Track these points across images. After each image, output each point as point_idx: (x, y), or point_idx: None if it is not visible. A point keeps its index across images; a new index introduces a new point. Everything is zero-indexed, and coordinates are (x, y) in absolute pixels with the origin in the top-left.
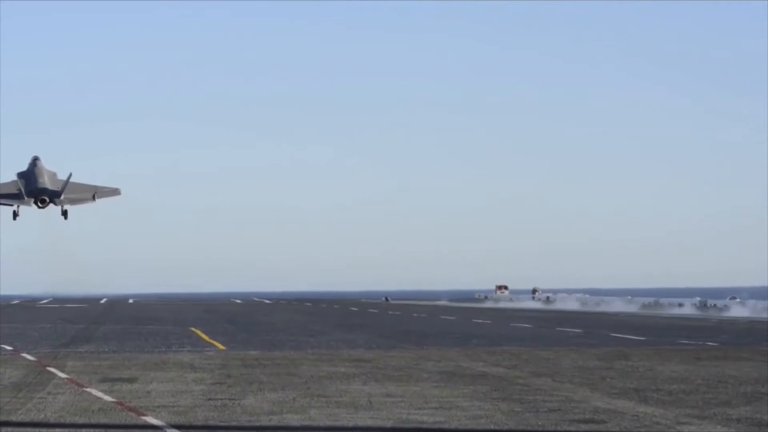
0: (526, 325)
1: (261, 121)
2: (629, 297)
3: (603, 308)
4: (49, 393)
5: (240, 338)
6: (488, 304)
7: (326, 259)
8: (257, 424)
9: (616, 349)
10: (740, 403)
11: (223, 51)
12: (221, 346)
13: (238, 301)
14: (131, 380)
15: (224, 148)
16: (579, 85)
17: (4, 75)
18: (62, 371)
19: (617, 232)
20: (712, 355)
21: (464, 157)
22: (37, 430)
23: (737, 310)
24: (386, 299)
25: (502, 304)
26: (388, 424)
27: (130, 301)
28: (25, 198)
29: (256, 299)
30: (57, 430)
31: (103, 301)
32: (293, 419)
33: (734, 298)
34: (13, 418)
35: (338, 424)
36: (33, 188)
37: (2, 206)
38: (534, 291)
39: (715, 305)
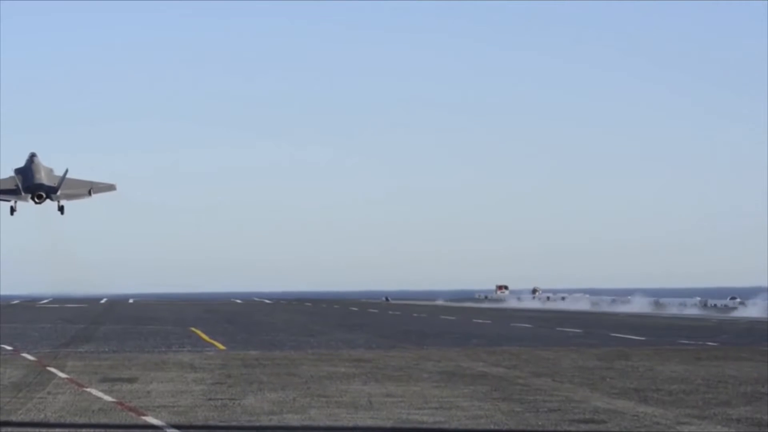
0: (526, 325)
1: (261, 121)
2: (654, 298)
3: (621, 308)
4: (49, 393)
5: (240, 338)
6: (491, 304)
7: (326, 259)
8: (257, 424)
9: (616, 349)
10: (740, 403)
11: (223, 51)
12: (221, 346)
13: (238, 301)
14: (131, 380)
15: (224, 148)
16: (579, 85)
17: (4, 75)
18: (62, 371)
19: (617, 232)
20: (712, 355)
21: (464, 157)
22: (37, 430)
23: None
24: (386, 299)
25: (504, 304)
26: (388, 424)
27: (130, 301)
28: (23, 194)
29: (256, 299)
30: (57, 430)
31: (103, 301)
32: (293, 419)
33: (734, 298)
34: (13, 418)
35: (338, 424)
36: (30, 184)
37: (0, 203)
38: (534, 291)
39: (737, 302)
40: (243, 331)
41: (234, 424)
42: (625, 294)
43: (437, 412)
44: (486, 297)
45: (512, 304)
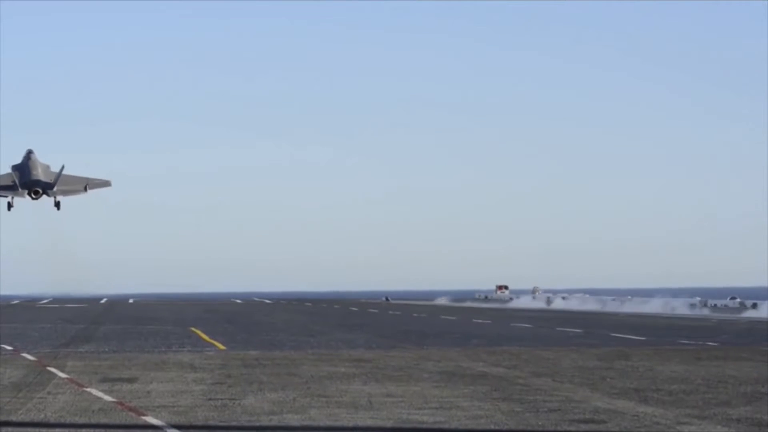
0: (526, 325)
1: (261, 121)
2: (670, 298)
3: (636, 309)
4: (49, 393)
5: (240, 338)
6: (499, 305)
7: (326, 259)
8: (257, 424)
9: (617, 349)
10: (740, 403)
11: (223, 51)
12: (221, 346)
13: (238, 301)
14: (131, 380)
15: (224, 148)
16: (579, 85)
17: (4, 75)
18: (62, 371)
19: (617, 232)
20: (712, 355)
21: (464, 157)
22: (37, 430)
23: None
24: (386, 299)
25: (510, 304)
26: (388, 424)
27: (130, 301)
28: (20, 189)
29: (256, 299)
30: (57, 430)
31: (103, 301)
32: (293, 419)
33: (734, 298)
34: (13, 418)
35: (338, 424)
36: (27, 180)
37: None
38: (534, 291)
39: (737, 302)
40: (243, 331)
41: (234, 424)
42: (625, 294)
43: (437, 412)
44: (486, 297)
45: (513, 304)
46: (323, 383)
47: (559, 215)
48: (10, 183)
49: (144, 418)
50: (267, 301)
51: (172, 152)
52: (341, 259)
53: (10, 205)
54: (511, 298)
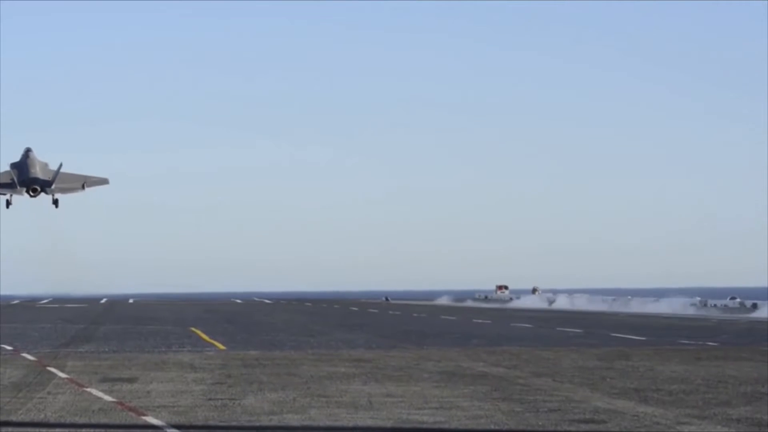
0: (527, 325)
1: (261, 121)
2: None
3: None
4: (49, 393)
5: (240, 338)
6: (494, 304)
7: (326, 259)
8: (257, 424)
9: (617, 349)
10: (740, 403)
11: (223, 51)
12: (221, 346)
13: (238, 301)
14: (131, 380)
15: (224, 148)
16: (579, 85)
17: (4, 75)
18: (62, 371)
19: (617, 232)
20: (712, 355)
21: (464, 157)
22: (37, 430)
23: None
24: (386, 299)
25: (510, 304)
26: (388, 424)
27: (130, 301)
28: (18, 187)
29: (256, 299)
30: (57, 430)
31: (103, 301)
32: (293, 419)
33: (734, 298)
34: (13, 418)
35: (338, 424)
36: (25, 178)
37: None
38: (534, 290)
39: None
40: (243, 331)
41: (234, 424)
42: (625, 294)
43: (437, 412)
44: (486, 297)
45: (513, 304)
46: (323, 383)
47: (559, 215)
48: (8, 181)
49: (144, 418)
50: (267, 301)
51: (172, 152)
52: (341, 259)
53: (8, 203)
54: (511, 298)
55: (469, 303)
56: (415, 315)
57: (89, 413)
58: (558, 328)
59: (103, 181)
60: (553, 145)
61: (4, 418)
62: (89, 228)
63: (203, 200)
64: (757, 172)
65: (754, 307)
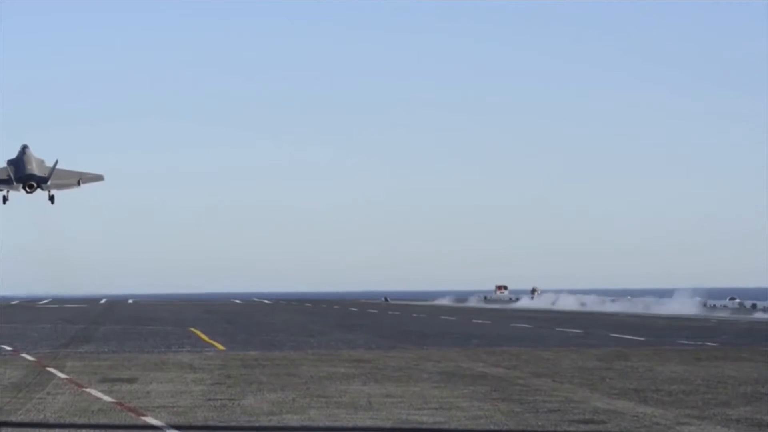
0: (526, 326)
1: (261, 121)
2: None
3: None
4: (48, 393)
5: (240, 338)
6: (494, 305)
7: (326, 259)
8: (257, 424)
9: (616, 350)
10: (740, 404)
11: (223, 51)
12: (221, 347)
13: (238, 301)
14: (131, 380)
15: (224, 148)
16: (579, 85)
17: (4, 75)
18: (62, 371)
19: (617, 232)
20: (711, 355)
21: (464, 157)
22: (36, 430)
23: None
24: (386, 299)
25: (510, 304)
26: (388, 424)
27: (130, 301)
28: (14, 183)
29: (255, 300)
30: (56, 430)
31: (102, 302)
32: (293, 420)
33: (734, 298)
34: (13, 419)
35: (338, 424)
36: (22, 174)
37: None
38: (533, 290)
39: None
40: (243, 332)
41: (233, 424)
42: (624, 294)
43: (437, 412)
44: (485, 298)
45: (513, 304)
46: (323, 383)
47: (559, 215)
48: (5, 177)
49: (143, 418)
50: (267, 302)
51: (172, 152)
52: (341, 260)
53: (5, 199)
54: (510, 298)
55: (471, 303)
56: (414, 315)
57: (89, 414)
58: (557, 329)
59: (98, 178)
60: (553, 145)
61: (3, 418)
62: (89, 228)
63: (203, 200)
64: (757, 172)
65: (754, 307)
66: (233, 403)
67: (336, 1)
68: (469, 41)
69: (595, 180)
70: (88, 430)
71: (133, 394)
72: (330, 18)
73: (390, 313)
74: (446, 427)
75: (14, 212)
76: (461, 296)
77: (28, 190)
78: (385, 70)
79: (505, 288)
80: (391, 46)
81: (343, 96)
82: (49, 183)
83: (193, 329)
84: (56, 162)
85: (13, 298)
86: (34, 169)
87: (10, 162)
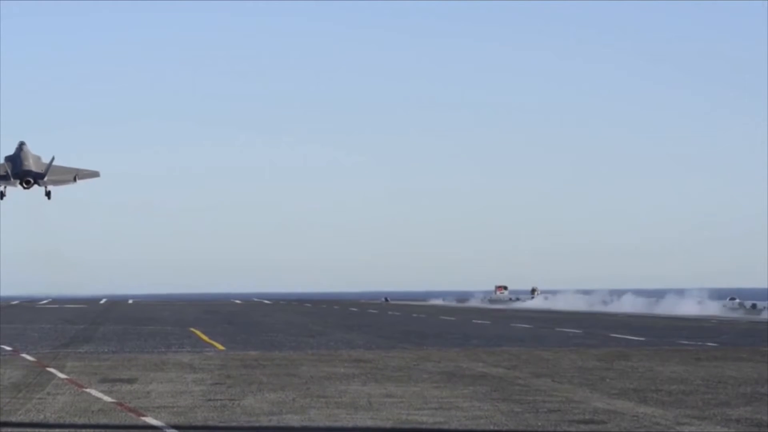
0: (526, 326)
1: (261, 121)
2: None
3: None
4: (48, 393)
5: (240, 339)
6: (495, 305)
7: (326, 259)
8: (257, 424)
9: (616, 350)
10: (740, 404)
11: (222, 51)
12: (221, 347)
13: (238, 301)
14: (131, 381)
15: (224, 148)
16: (579, 85)
17: (4, 75)
18: (62, 372)
19: (617, 232)
20: (711, 355)
21: (464, 157)
22: (36, 430)
23: None
24: (386, 300)
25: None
26: (388, 424)
27: (130, 301)
28: (12, 179)
29: (255, 300)
30: (56, 430)
31: (102, 302)
32: (293, 420)
33: (734, 299)
34: (13, 419)
35: (338, 424)
36: (19, 170)
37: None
38: (533, 290)
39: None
40: (242, 332)
41: (233, 424)
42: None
43: (437, 412)
44: (488, 299)
45: (514, 304)
46: (323, 384)
47: (559, 215)
48: (2, 173)
49: (143, 418)
50: (266, 302)
51: (172, 152)
52: (341, 259)
53: (2, 194)
54: (510, 299)
55: (474, 303)
56: (414, 315)
57: (89, 414)
58: (557, 329)
59: (94, 174)
60: (553, 145)
61: (3, 418)
62: (89, 228)
63: (203, 200)
64: (757, 172)
65: (754, 307)
66: (233, 404)
67: (336, 1)
68: (469, 41)
69: (595, 180)
70: (88, 430)
71: (133, 395)
72: (330, 18)
73: (390, 313)
74: (446, 427)
75: (15, 212)
76: (461, 296)
77: (24, 186)
78: (385, 70)
79: (505, 288)
80: (391, 46)
81: (343, 96)
82: (45, 179)
83: (193, 329)
84: (53, 158)
85: (13, 298)
86: (31, 165)
87: (8, 158)
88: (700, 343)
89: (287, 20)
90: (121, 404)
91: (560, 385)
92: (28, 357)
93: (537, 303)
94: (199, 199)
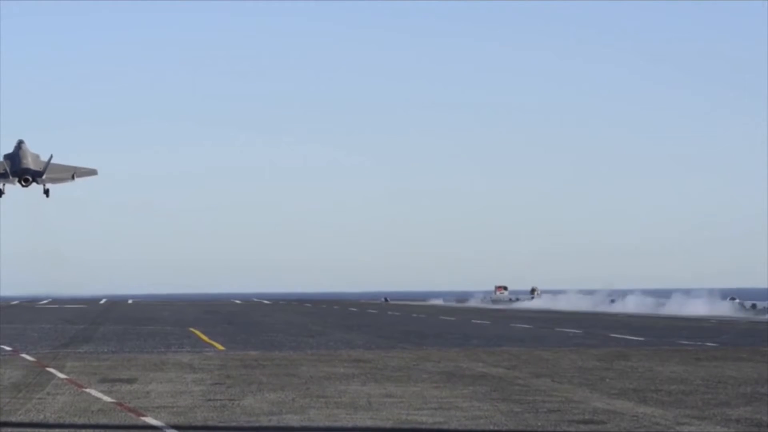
0: (526, 326)
1: (261, 121)
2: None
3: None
4: (48, 393)
5: (239, 339)
6: (495, 305)
7: (326, 259)
8: (256, 424)
9: (616, 350)
10: (740, 404)
11: (222, 50)
12: (220, 347)
13: (238, 301)
14: (130, 381)
15: (224, 148)
16: (580, 85)
17: (4, 75)
18: (61, 372)
19: (617, 232)
20: (711, 355)
21: (464, 157)
22: (36, 430)
23: None
24: (385, 300)
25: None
26: (388, 424)
27: (130, 301)
28: (10, 177)
29: (255, 300)
30: (56, 430)
31: (102, 302)
32: (292, 420)
33: (734, 299)
34: (13, 419)
35: (337, 424)
36: (18, 168)
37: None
38: (533, 290)
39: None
40: (242, 332)
41: (233, 424)
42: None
43: (436, 412)
44: (489, 298)
45: (514, 304)
46: (322, 384)
47: (559, 215)
48: (1, 171)
49: (143, 418)
50: (266, 302)
51: (172, 152)
52: (341, 259)
53: (1, 192)
54: (510, 299)
55: (474, 303)
56: (414, 315)
57: (88, 414)
58: (557, 329)
59: (92, 172)
60: (553, 145)
61: (3, 418)
62: (89, 229)
63: (203, 200)
64: (757, 172)
65: (754, 308)
66: (233, 404)
67: (336, 1)
68: (469, 41)
69: (595, 180)
70: (88, 430)
71: (133, 395)
72: (330, 18)
73: (390, 313)
74: (446, 427)
75: (15, 212)
76: (461, 297)
77: (23, 184)
78: (385, 70)
79: (505, 288)
80: (391, 46)
81: (343, 96)
82: (44, 177)
83: (192, 329)
84: (51, 156)
85: (13, 298)
86: (29, 163)
87: (6, 156)
88: (699, 343)
89: (287, 20)
90: (120, 404)
91: (560, 385)
92: (28, 357)
93: (537, 303)
94: (199, 199)
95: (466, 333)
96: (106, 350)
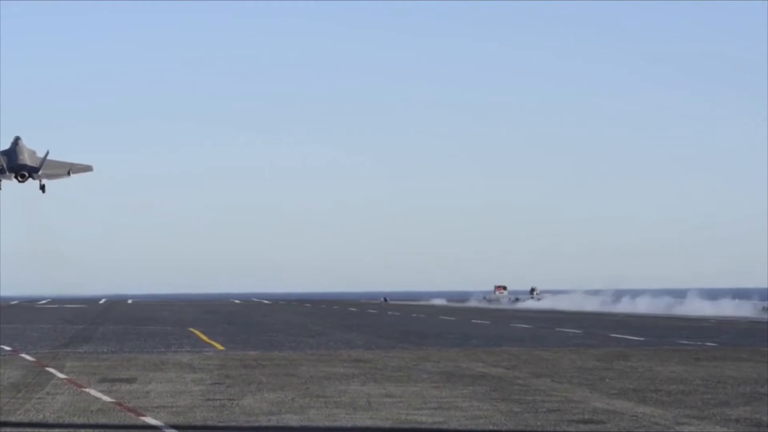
0: (526, 326)
1: (261, 121)
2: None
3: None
4: (48, 393)
5: (239, 339)
6: (495, 305)
7: (326, 259)
8: (256, 424)
9: (616, 350)
10: (739, 404)
11: (222, 51)
12: (220, 347)
13: (238, 301)
14: (130, 380)
15: (224, 148)
16: (580, 85)
17: (4, 75)
18: (61, 371)
19: (617, 232)
20: (711, 355)
21: (464, 157)
22: (36, 430)
23: None
24: (385, 300)
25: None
26: (387, 424)
27: (129, 301)
28: (7, 173)
29: (255, 300)
30: (56, 430)
31: (102, 302)
32: (292, 420)
33: (733, 299)
34: (12, 419)
35: (337, 424)
36: (14, 164)
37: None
38: (532, 290)
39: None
40: (242, 332)
41: (233, 424)
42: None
43: (436, 412)
44: (484, 298)
45: (514, 304)
46: (322, 383)
47: (559, 215)
48: None
49: (143, 418)
50: (266, 302)
51: (171, 152)
52: (341, 259)
53: None
54: (510, 299)
55: (473, 303)
56: (414, 315)
57: (88, 413)
58: (557, 329)
59: (87, 168)
60: (553, 145)
61: (3, 418)
62: (89, 228)
63: (202, 200)
64: (757, 173)
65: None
66: (232, 403)
67: (336, 1)
68: (469, 41)
69: (595, 180)
70: (87, 430)
71: (133, 394)
72: (330, 18)
73: (389, 313)
74: (445, 427)
75: (14, 212)
76: (461, 297)
77: (19, 179)
78: (385, 70)
79: (505, 288)
80: (391, 46)
81: (343, 96)
82: (39, 173)
83: (192, 329)
84: (47, 152)
85: (13, 298)
86: (26, 159)
87: (3, 152)
88: (699, 343)
89: (287, 20)
90: (120, 404)
91: (560, 385)
92: (28, 357)
93: (536, 303)
94: (199, 199)
95: (466, 333)
96: (105, 350)
